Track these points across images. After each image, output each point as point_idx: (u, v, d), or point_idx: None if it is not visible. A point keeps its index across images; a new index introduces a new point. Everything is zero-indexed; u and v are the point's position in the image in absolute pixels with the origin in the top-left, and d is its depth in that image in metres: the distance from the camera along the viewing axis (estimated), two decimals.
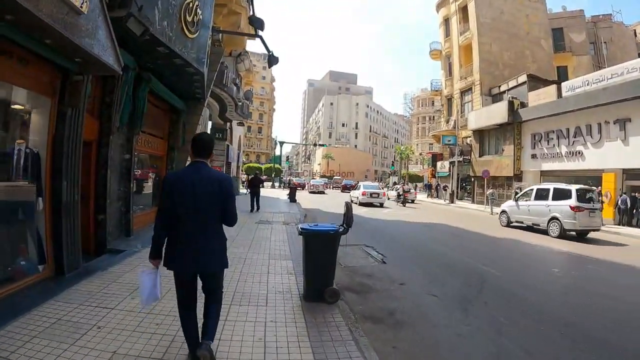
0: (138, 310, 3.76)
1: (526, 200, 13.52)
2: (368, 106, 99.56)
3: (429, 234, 11.95)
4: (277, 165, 49.85)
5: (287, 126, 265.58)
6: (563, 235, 11.41)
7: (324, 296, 4.33)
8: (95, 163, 6.10)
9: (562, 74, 28.41)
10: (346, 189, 38.29)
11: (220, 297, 3.02)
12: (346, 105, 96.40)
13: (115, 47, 4.52)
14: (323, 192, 35.54)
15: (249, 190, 15.42)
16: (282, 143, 45.40)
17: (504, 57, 28.40)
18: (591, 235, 12.09)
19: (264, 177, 37.96)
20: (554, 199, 12.21)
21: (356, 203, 20.63)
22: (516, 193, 16.54)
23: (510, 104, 22.34)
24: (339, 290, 4.55)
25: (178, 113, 9.29)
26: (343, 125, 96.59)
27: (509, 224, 14.18)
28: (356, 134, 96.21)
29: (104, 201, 6.12)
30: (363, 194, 21.53)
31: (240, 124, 19.34)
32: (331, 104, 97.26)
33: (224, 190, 2.78)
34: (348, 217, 4.51)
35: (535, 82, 23.55)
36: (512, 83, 24.91)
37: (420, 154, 64.15)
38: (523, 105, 22.52)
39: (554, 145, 20.18)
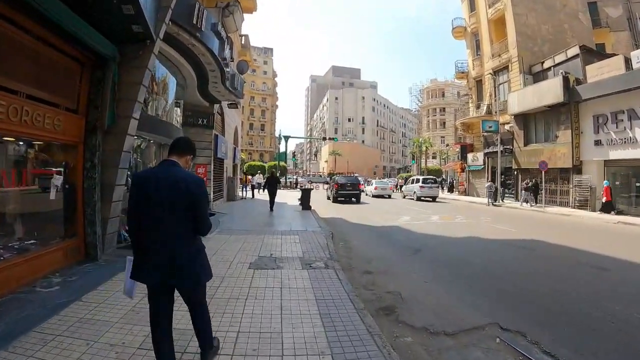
0: None
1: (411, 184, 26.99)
2: (374, 99, 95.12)
3: (564, 271, 6.23)
4: (282, 163, 45.53)
5: (290, 124, 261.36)
6: (419, 199, 24.30)
7: None
8: None
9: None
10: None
11: (205, 309, 2.62)
12: (352, 100, 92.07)
13: None
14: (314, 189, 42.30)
15: (265, 189, 15.50)
16: (287, 138, 41.26)
17: (542, 30, 24.29)
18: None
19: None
20: (416, 182, 26.03)
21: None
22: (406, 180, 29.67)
23: (565, 80, 18.18)
24: None
25: (104, 67, 5.18)
26: (349, 120, 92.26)
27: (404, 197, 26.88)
28: (363, 129, 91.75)
29: None
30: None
31: (233, 105, 14.68)
32: (336, 98, 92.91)
33: (191, 193, 2.33)
34: None
35: (590, 55, 19.44)
36: (559, 58, 20.74)
37: (447, 145, 59.52)
38: (578, 82, 18.42)
39: (624, 128, 16.06)
